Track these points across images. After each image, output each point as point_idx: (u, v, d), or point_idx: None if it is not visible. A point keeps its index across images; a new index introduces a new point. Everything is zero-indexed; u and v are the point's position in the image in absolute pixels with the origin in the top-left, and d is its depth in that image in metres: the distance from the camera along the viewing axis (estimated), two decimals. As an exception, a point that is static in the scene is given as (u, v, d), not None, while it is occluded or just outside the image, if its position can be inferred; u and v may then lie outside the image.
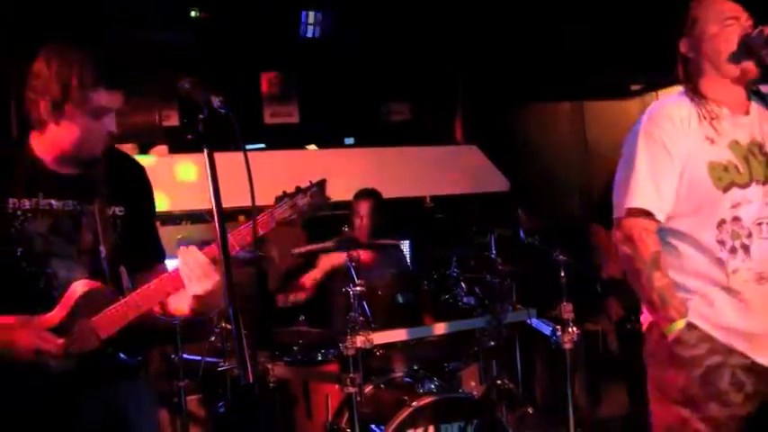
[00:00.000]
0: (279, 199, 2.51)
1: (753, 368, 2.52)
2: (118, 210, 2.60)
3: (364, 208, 5.48)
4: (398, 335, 4.40)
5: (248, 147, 2.16)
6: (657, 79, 8.40)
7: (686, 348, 2.52)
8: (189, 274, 2.42)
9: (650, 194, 2.56)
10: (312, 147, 7.14)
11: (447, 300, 4.87)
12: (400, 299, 5.26)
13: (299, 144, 7.03)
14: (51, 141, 2.48)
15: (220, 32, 6.22)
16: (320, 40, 6.47)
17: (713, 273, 2.52)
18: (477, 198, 6.99)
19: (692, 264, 2.55)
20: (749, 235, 2.50)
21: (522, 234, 4.90)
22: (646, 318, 2.74)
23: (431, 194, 6.99)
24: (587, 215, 8.23)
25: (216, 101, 2.20)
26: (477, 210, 6.77)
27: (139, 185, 2.74)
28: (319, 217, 5.80)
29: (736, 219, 2.50)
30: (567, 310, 4.32)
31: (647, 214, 2.56)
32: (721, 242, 2.51)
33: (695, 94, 2.64)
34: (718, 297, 2.51)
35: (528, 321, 4.80)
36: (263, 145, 6.86)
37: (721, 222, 2.51)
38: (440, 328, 4.53)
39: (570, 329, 4.29)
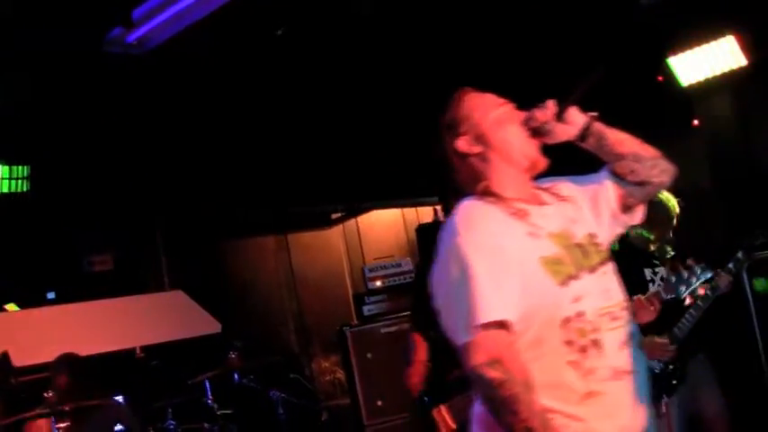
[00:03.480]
0: None
1: None
2: None
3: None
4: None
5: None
6: (355, 206, 8.96)
7: None
8: None
9: (499, 303, 2.16)
10: (12, 306, 6.71)
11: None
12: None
13: (-5, 305, 6.58)
14: None
15: None
16: (15, 193, 6.22)
17: (568, 380, 2.21)
18: (189, 343, 6.89)
19: (543, 376, 2.19)
20: (596, 329, 2.24)
21: (236, 376, 4.89)
22: None
23: (141, 344, 6.78)
24: (303, 343, 8.42)
25: None
26: (191, 355, 6.65)
27: None
28: (21, 383, 5.41)
29: (579, 314, 2.22)
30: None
31: (504, 326, 2.16)
32: (569, 342, 2.21)
33: (490, 195, 2.35)
34: (579, 409, 2.21)
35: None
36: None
37: (565, 321, 2.21)
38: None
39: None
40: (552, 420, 2.17)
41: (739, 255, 4.31)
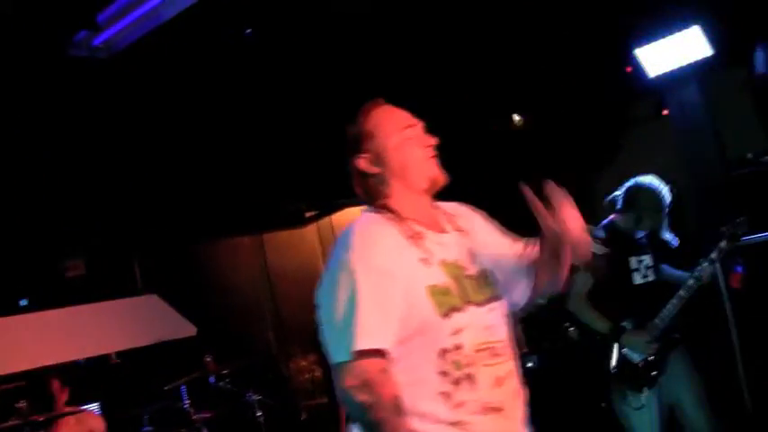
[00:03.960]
0: None
1: None
2: None
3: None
4: None
5: None
6: (329, 204, 8.93)
7: None
8: None
9: (380, 331, 2.17)
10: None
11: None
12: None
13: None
14: None
15: None
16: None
17: (437, 410, 2.22)
18: (164, 348, 6.83)
19: (413, 401, 2.21)
20: (472, 363, 2.25)
21: (212, 379, 4.86)
22: None
23: (115, 350, 6.71)
24: (281, 343, 8.38)
25: None
26: (166, 360, 6.59)
27: None
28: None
29: (457, 347, 2.24)
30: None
31: (380, 353, 2.17)
32: (444, 374, 2.23)
33: (388, 212, 2.38)
34: (448, 430, 2.23)
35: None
36: None
37: (443, 352, 2.23)
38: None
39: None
40: None
41: (722, 244, 4.23)
